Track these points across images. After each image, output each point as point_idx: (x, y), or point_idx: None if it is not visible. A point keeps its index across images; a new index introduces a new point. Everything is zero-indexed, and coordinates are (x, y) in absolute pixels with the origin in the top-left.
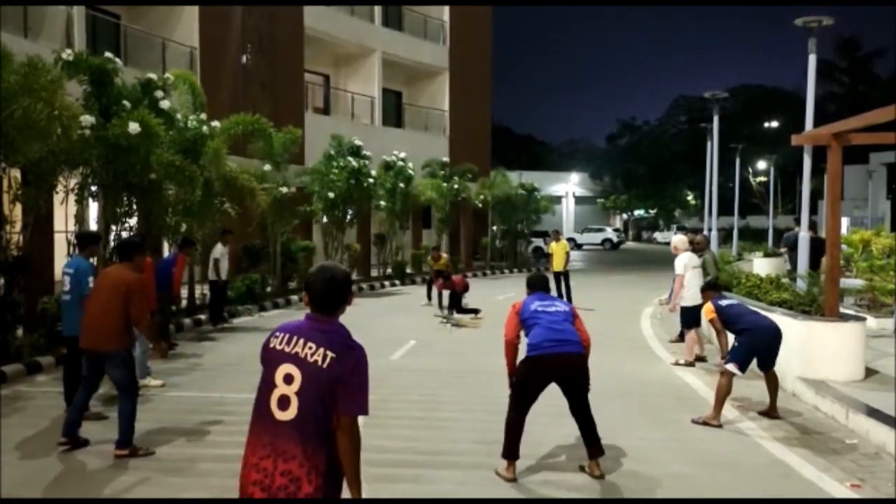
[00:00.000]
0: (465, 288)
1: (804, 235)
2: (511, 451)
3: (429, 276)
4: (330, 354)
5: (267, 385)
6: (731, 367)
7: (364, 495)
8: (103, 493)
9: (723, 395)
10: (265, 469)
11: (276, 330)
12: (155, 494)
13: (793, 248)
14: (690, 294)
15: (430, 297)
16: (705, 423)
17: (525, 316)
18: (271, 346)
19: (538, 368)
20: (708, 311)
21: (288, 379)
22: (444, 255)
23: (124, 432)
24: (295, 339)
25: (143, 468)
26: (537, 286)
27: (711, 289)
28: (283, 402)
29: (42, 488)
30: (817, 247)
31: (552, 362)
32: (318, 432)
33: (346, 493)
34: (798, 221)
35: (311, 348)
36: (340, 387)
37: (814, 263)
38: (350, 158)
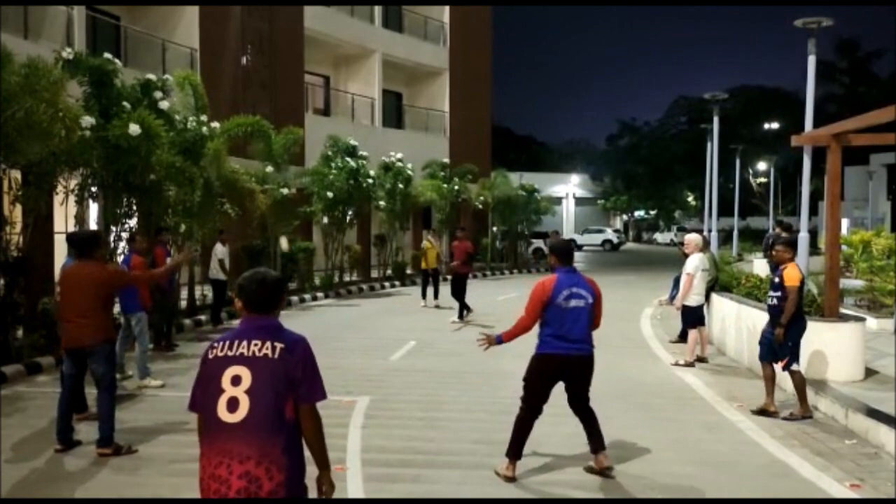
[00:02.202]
0: (469, 267)
1: (804, 236)
2: (515, 450)
3: (421, 274)
4: (279, 345)
5: (213, 392)
6: (795, 366)
7: (364, 495)
8: (102, 494)
9: (803, 388)
10: (220, 477)
11: (212, 343)
12: (155, 494)
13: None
14: (695, 294)
15: (424, 296)
16: (802, 416)
17: (549, 305)
18: (211, 356)
19: (547, 367)
20: (798, 277)
21: (235, 380)
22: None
23: (105, 429)
24: (237, 341)
25: (142, 468)
26: (565, 256)
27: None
28: (232, 405)
29: (38, 489)
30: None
31: (559, 362)
32: (271, 427)
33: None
34: (780, 223)
35: (256, 344)
36: (297, 376)
37: None
38: (348, 159)
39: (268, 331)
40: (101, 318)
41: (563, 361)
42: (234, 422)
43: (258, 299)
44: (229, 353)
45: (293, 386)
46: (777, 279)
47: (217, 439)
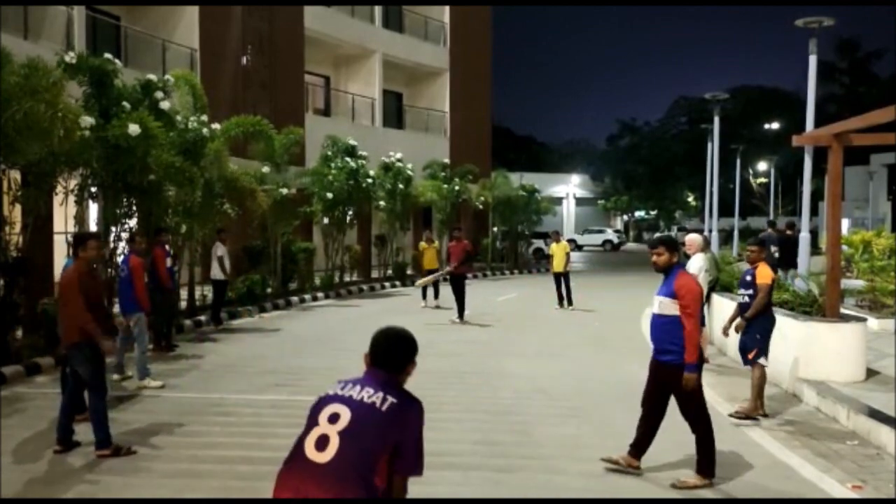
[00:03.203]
0: (469, 267)
1: (805, 236)
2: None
3: (421, 274)
4: (391, 399)
5: (308, 425)
6: (762, 361)
7: None
8: (102, 495)
9: (762, 385)
10: None
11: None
12: (155, 495)
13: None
14: None
15: (424, 297)
16: (747, 417)
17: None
18: (323, 395)
19: None
20: (770, 275)
21: (333, 418)
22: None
23: (99, 431)
24: (351, 385)
25: (142, 469)
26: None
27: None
28: (322, 443)
29: (38, 489)
30: (790, 246)
31: None
32: (354, 478)
33: None
34: (772, 224)
35: (368, 392)
36: (398, 438)
37: (791, 262)
38: (347, 159)
39: (384, 385)
40: (71, 318)
41: None
42: (318, 462)
43: (383, 352)
44: (339, 392)
45: (391, 446)
46: (749, 277)
47: (295, 475)
